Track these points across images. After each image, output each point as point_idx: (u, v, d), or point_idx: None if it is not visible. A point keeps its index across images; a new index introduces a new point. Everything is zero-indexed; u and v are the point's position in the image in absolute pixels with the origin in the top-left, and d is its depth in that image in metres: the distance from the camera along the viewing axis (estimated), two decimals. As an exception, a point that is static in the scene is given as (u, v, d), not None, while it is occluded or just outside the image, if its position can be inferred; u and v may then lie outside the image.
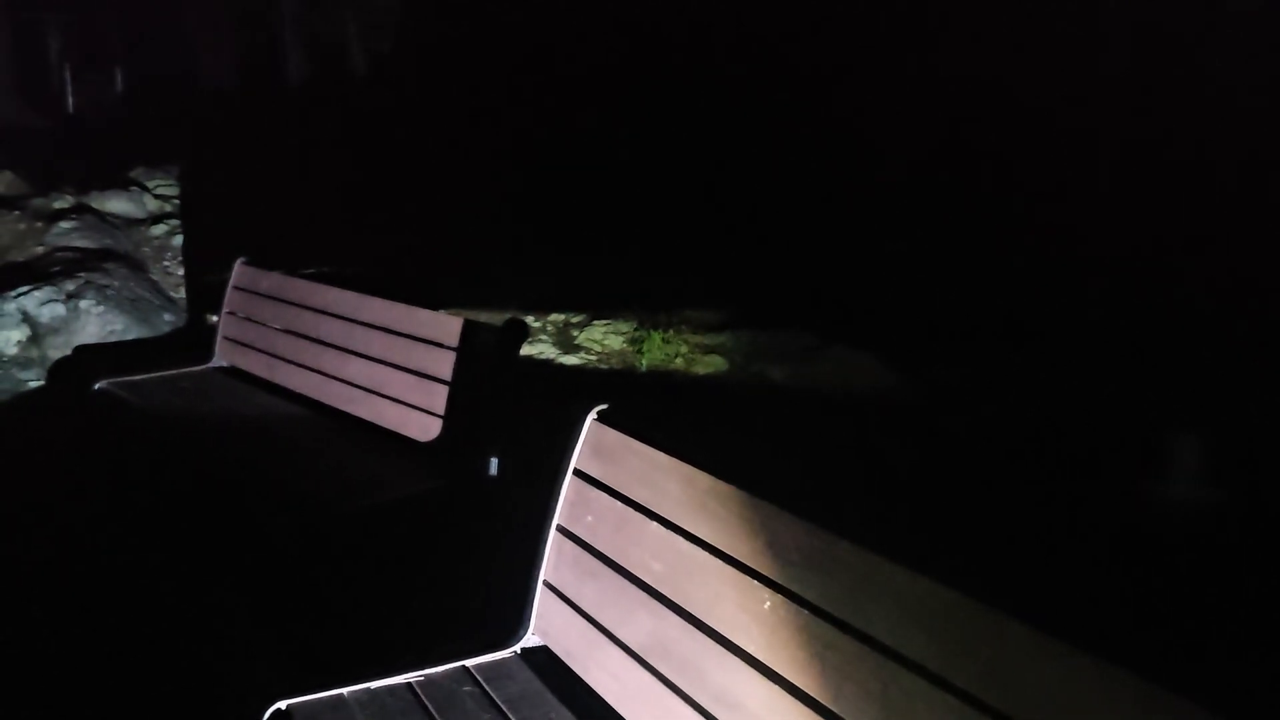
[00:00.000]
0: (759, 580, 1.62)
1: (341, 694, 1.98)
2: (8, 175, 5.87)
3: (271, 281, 4.14)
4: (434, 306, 3.51)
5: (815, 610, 1.52)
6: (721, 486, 1.74)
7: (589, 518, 2.03)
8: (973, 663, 1.32)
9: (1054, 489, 3.50)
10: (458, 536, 3.00)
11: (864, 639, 1.45)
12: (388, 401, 3.42)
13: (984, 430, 3.91)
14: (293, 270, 4.23)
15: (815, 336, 4.67)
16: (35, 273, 4.85)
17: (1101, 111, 5.01)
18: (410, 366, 3.37)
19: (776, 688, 1.54)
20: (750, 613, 1.61)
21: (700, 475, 1.79)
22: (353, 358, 3.61)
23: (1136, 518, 3.30)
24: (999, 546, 3.04)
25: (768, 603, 1.59)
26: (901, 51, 5.82)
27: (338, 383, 3.65)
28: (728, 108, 6.63)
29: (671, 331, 4.72)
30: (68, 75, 10.45)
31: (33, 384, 4.37)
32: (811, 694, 1.49)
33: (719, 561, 1.70)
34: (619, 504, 1.95)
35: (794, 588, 1.56)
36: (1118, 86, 4.94)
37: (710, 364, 4.53)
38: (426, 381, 3.28)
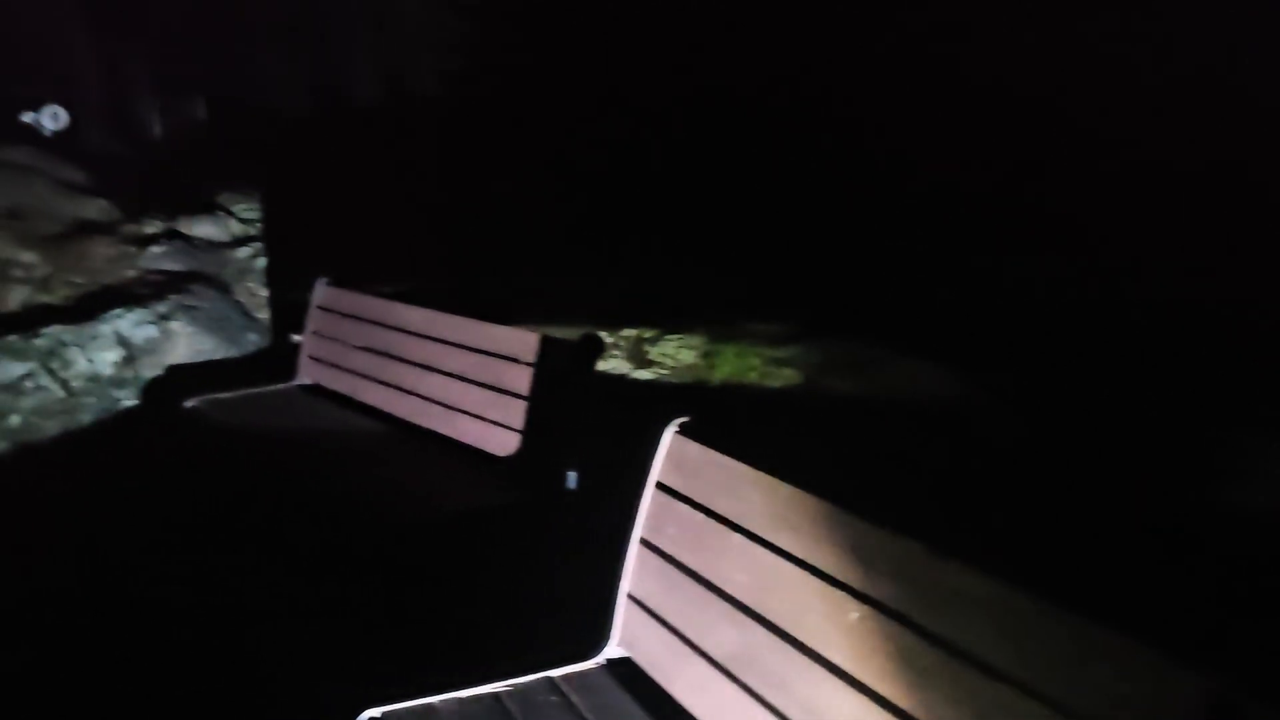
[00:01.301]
0: (845, 591, 1.63)
1: (430, 703, 2.02)
2: (101, 202, 6.12)
3: (352, 300, 4.25)
4: (509, 323, 3.56)
5: (903, 621, 1.52)
6: (804, 498, 1.75)
7: (671, 530, 2.05)
8: (1063, 673, 1.32)
9: (1134, 496, 3.43)
10: (538, 549, 3.05)
11: (953, 649, 1.45)
12: (466, 417, 3.49)
13: (1060, 438, 3.85)
14: (372, 289, 4.33)
15: (886, 348, 4.63)
16: (129, 296, 5.05)
17: (1157, 114, 4.90)
18: (488, 382, 3.43)
19: (865, 699, 1.54)
20: (837, 624, 1.62)
21: (783, 487, 1.80)
22: (431, 374, 3.69)
23: (1220, 526, 3.22)
24: (1083, 555, 2.99)
25: (855, 614, 1.59)
26: (963, 58, 5.76)
27: (417, 399, 3.74)
28: (791, 119, 6.62)
29: (745, 344, 4.72)
30: (153, 103, 10.84)
31: (127, 403, 4.55)
32: (901, 705, 1.49)
33: (804, 573, 1.71)
34: (701, 516, 1.97)
35: (881, 599, 1.57)
36: (1176, 90, 4.83)
37: (783, 376, 4.52)
38: (504, 397, 3.33)
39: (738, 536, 1.87)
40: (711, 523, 1.94)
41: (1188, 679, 1.18)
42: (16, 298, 5.20)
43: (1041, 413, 3.95)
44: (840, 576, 1.64)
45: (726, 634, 1.85)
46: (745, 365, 4.59)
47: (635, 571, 2.13)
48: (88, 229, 5.80)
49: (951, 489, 3.36)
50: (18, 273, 5.31)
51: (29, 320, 4.84)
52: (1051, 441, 3.78)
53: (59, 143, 8.39)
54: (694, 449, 2.04)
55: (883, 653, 1.54)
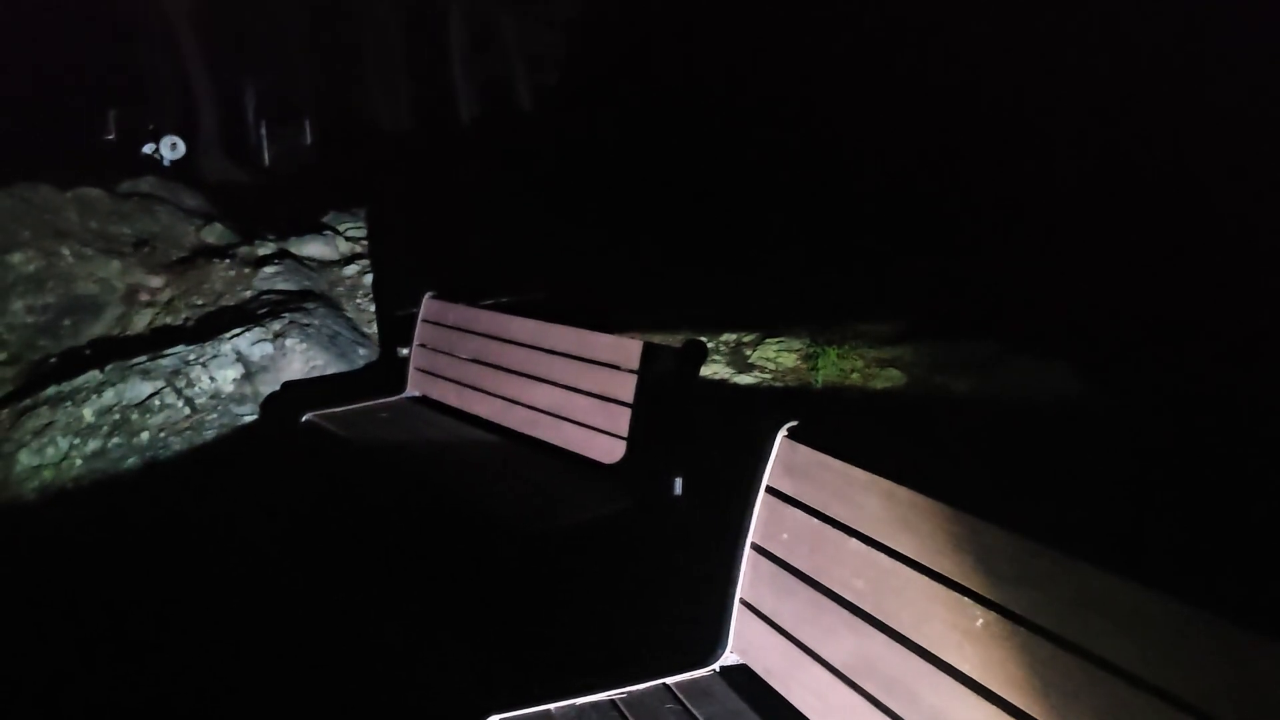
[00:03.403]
0: (969, 597, 1.58)
1: (549, 709, 2.04)
2: (218, 227, 6.39)
3: (458, 314, 4.33)
4: (610, 331, 3.57)
5: (1032, 627, 1.47)
6: (923, 501, 1.71)
7: (784, 535, 2.02)
8: (1210, 681, 1.25)
9: (1266, 499, 3.25)
10: (647, 555, 3.05)
11: (1087, 656, 1.39)
12: (572, 425, 3.52)
13: (1184, 440, 3.68)
14: (477, 302, 4.41)
15: (996, 346, 4.50)
16: (246, 315, 5.26)
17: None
18: (593, 390, 3.45)
19: (994, 708, 1.49)
20: (962, 630, 1.57)
21: (900, 490, 1.76)
22: (537, 383, 3.73)
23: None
24: (1217, 557, 2.85)
25: (980, 620, 1.54)
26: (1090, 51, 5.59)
27: (523, 408, 3.78)
28: (895, 114, 6.51)
29: (846, 346, 4.65)
30: (263, 130, 11.30)
31: (247, 418, 4.73)
32: (1033, 714, 1.44)
33: (924, 578, 1.66)
34: (815, 521, 1.94)
35: (1007, 604, 1.51)
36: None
37: (888, 378, 4.43)
38: (609, 404, 3.35)
39: (854, 541, 1.83)
40: (826, 527, 1.91)
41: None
42: (144, 320, 5.46)
43: (1180, 412, 3.78)
44: (964, 581, 1.59)
45: (845, 640, 1.81)
46: (847, 367, 4.51)
47: (748, 577, 2.10)
48: (206, 253, 6.07)
49: (1113, 494, 3.23)
50: (145, 297, 5.58)
51: (156, 342, 5.09)
52: (1205, 442, 3.61)
53: (177, 171, 8.81)
54: (805, 453, 2.01)
55: (1011, 660, 1.48)
